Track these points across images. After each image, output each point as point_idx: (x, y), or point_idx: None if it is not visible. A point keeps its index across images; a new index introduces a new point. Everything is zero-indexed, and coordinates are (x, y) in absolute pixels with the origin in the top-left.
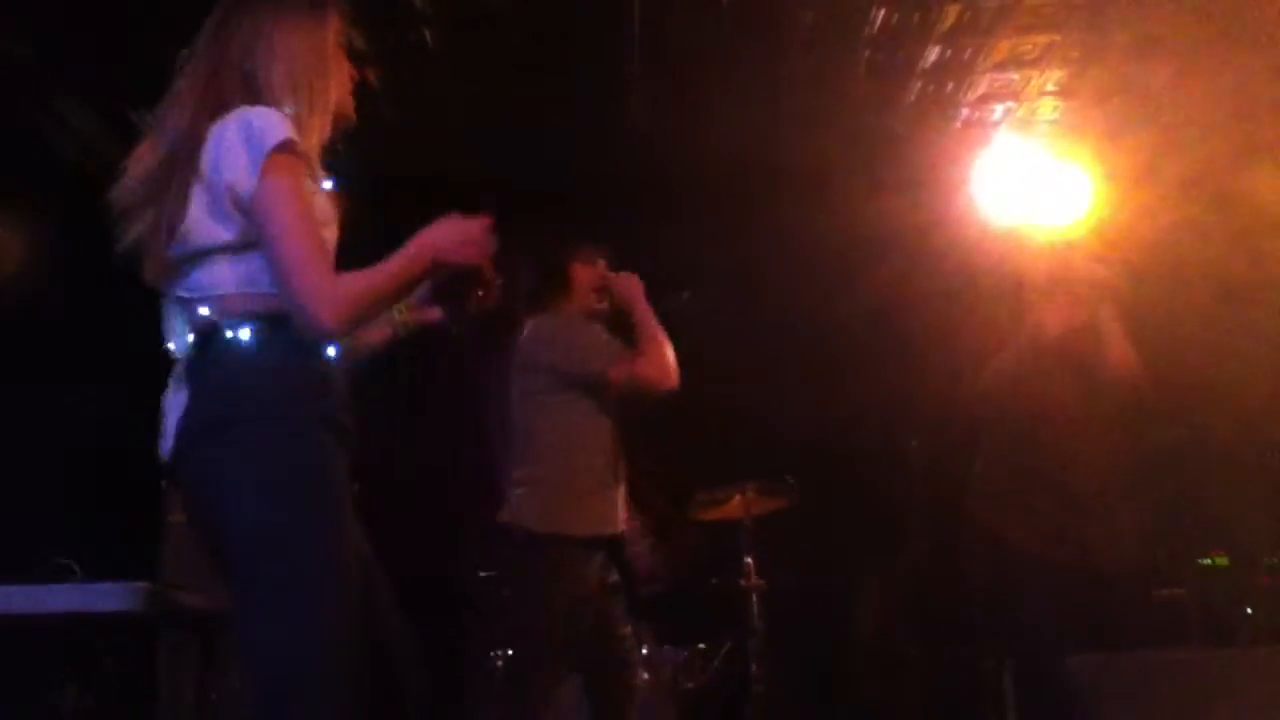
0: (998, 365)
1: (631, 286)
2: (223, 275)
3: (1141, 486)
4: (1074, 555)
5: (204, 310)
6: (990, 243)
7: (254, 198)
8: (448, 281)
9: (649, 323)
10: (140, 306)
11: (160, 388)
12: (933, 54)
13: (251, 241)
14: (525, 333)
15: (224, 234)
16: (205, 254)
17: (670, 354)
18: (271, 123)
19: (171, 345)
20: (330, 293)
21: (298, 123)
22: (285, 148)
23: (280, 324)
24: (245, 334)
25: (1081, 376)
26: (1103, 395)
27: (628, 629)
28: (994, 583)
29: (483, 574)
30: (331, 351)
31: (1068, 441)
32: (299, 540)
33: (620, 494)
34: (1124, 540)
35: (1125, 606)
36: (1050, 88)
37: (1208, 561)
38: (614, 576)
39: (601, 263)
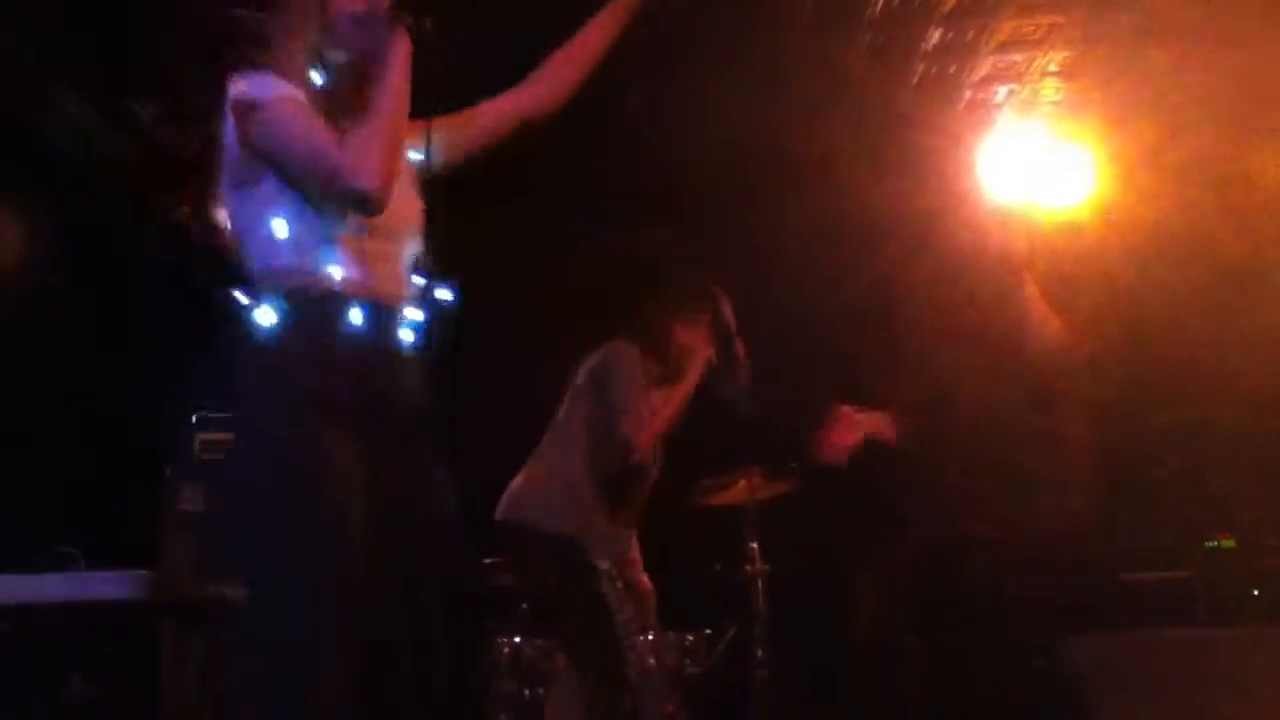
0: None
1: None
2: (247, 257)
3: (1106, 468)
4: (1024, 539)
5: (239, 296)
6: (995, 225)
7: (244, 141)
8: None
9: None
10: (141, 296)
11: (161, 377)
12: (935, 36)
13: (251, 212)
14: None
15: (231, 216)
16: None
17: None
18: (242, 78)
19: None
20: (348, 160)
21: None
22: (248, 82)
23: (295, 300)
24: (264, 317)
25: (1007, 358)
26: (1049, 376)
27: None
28: (953, 570)
29: (487, 560)
30: (359, 318)
31: (1017, 423)
32: (275, 543)
33: (624, 532)
34: (1080, 522)
35: (1088, 589)
36: (1053, 69)
37: (1214, 544)
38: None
39: (706, 320)
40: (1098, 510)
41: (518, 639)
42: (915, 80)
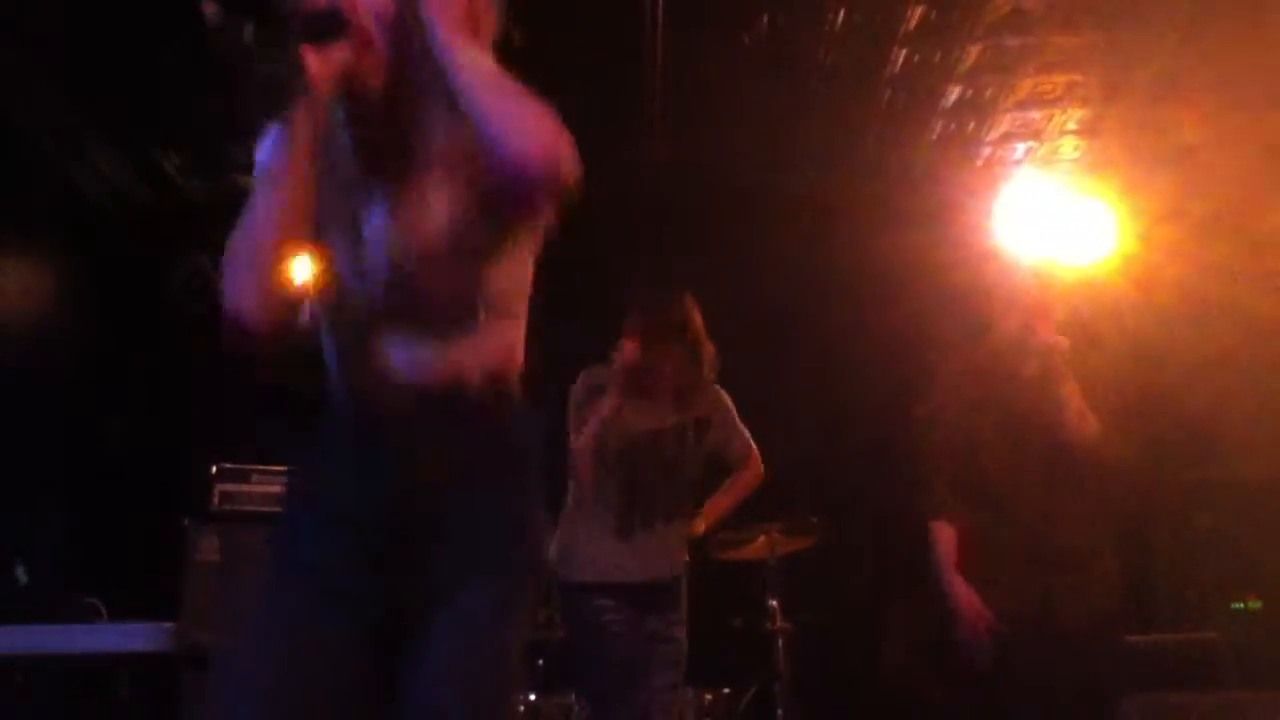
0: (942, 415)
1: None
2: None
3: (1119, 542)
4: (1038, 610)
5: None
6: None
7: None
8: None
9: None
10: (171, 348)
11: (188, 427)
12: (954, 93)
13: None
14: None
15: None
16: None
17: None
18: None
19: None
20: (225, 277)
21: None
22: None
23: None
24: None
25: (1040, 437)
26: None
27: (662, 678)
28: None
29: None
30: (331, 421)
31: (1034, 498)
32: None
33: (639, 543)
34: (1093, 593)
35: (1095, 659)
36: (1072, 126)
37: (1240, 605)
38: (652, 625)
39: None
40: (1123, 583)
41: (533, 696)
42: (934, 137)
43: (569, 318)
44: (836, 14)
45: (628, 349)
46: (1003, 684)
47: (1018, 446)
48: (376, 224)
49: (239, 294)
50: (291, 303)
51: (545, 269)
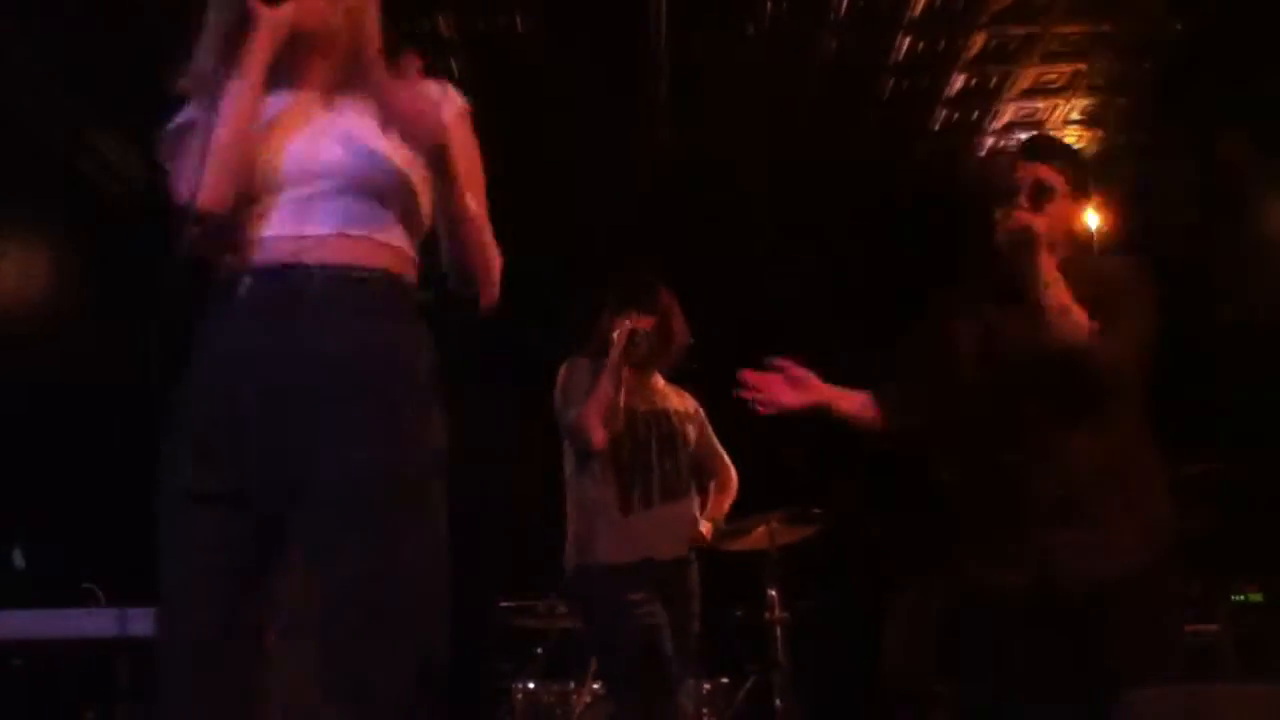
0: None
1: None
2: None
3: (1154, 496)
4: (1040, 580)
5: None
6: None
7: None
8: None
9: (601, 375)
10: (172, 331)
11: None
12: (958, 81)
13: None
14: None
15: None
16: None
17: (601, 411)
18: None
19: None
20: (181, 186)
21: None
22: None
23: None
24: None
25: (1050, 361)
26: (1084, 376)
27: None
28: (952, 619)
29: (504, 604)
30: (232, 297)
31: (1032, 438)
32: None
33: (652, 518)
34: (1112, 556)
35: (1116, 632)
36: (1075, 116)
37: (1241, 597)
38: (676, 616)
39: (626, 315)
40: (1157, 540)
41: (532, 684)
42: (937, 125)
43: (574, 305)
44: (841, 1)
45: (616, 322)
46: (1001, 670)
47: (1014, 375)
48: (323, 124)
49: (193, 184)
50: (238, 196)
51: (550, 259)
